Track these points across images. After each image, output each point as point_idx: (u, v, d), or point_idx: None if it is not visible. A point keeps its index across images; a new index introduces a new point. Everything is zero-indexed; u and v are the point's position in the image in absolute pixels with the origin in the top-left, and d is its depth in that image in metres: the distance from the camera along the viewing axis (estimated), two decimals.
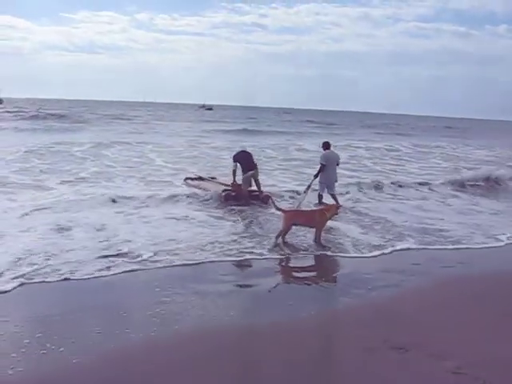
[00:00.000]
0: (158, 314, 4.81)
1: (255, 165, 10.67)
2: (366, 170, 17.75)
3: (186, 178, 12.65)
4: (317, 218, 7.73)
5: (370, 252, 7.35)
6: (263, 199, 10.33)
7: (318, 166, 10.34)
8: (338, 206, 8.69)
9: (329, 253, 7.28)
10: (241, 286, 5.94)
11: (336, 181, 10.60)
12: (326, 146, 10.56)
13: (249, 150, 11.33)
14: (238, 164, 10.58)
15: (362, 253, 7.30)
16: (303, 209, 9.17)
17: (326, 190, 10.40)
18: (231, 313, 4.97)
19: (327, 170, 10.27)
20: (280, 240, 7.54)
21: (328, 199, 10.33)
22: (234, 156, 10.76)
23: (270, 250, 7.18)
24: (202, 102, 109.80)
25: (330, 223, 8.11)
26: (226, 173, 12.55)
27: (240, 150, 10.93)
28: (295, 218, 7.80)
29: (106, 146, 21.32)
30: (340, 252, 7.36)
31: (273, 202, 8.21)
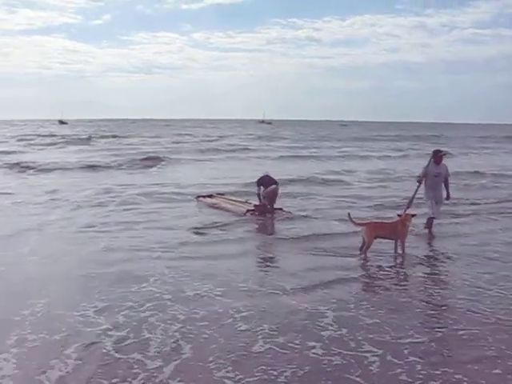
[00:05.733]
0: None
1: (276, 181, 11.12)
2: None
3: (198, 196, 12.53)
4: (399, 229, 7.68)
5: None
6: (272, 211, 10.82)
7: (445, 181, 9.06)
8: (412, 215, 8.02)
9: None
10: None
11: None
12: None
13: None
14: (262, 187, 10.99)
15: None
16: (381, 221, 8.62)
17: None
18: None
19: None
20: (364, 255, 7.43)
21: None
22: (257, 180, 11.12)
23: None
24: (261, 118, 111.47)
25: None
26: None
27: (263, 174, 11.27)
28: (378, 230, 7.68)
29: None
30: None
31: (349, 217, 7.74)
